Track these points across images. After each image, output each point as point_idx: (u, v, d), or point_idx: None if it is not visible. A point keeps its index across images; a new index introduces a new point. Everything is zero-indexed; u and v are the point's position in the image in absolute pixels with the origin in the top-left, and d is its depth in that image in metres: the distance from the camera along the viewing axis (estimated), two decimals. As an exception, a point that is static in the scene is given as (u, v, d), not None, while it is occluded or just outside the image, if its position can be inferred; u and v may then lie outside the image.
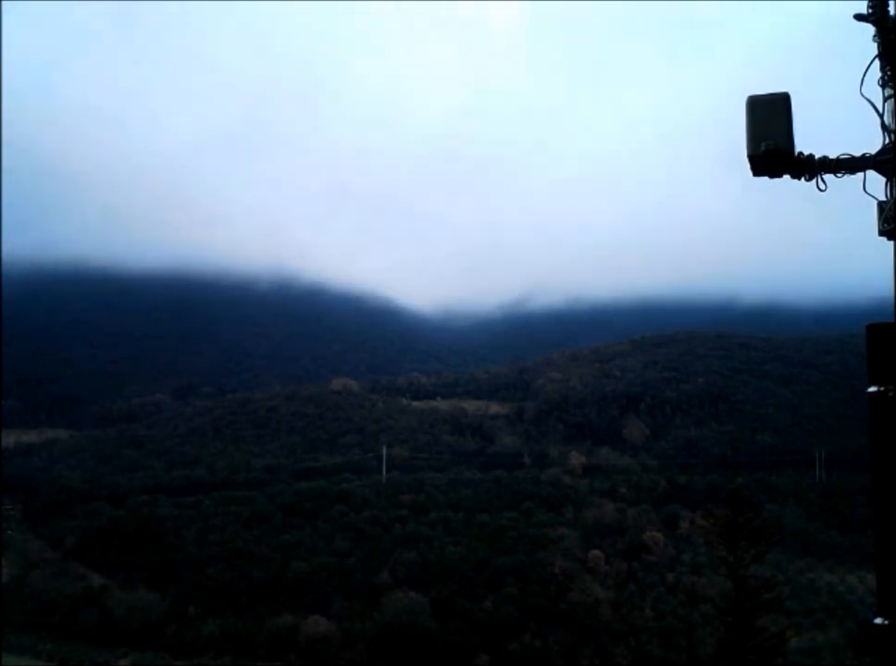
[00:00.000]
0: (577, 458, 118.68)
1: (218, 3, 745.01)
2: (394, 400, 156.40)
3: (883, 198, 5.81)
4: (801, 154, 6.02)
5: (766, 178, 6.15)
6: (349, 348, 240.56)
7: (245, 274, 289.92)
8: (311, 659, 69.31)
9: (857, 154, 5.93)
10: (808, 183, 6.07)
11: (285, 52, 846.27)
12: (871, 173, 5.88)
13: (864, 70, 5.74)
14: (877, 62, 5.80)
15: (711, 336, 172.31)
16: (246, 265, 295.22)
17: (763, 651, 33.04)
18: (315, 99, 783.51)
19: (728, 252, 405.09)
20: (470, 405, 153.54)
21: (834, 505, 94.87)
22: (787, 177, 6.14)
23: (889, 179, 5.80)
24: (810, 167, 6.04)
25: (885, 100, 5.78)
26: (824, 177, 6.04)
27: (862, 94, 5.76)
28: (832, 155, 6.02)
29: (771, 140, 5.92)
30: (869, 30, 5.87)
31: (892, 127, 5.76)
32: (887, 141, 5.81)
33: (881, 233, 5.76)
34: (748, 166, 6.10)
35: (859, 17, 5.86)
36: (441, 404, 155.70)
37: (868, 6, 5.87)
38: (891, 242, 5.54)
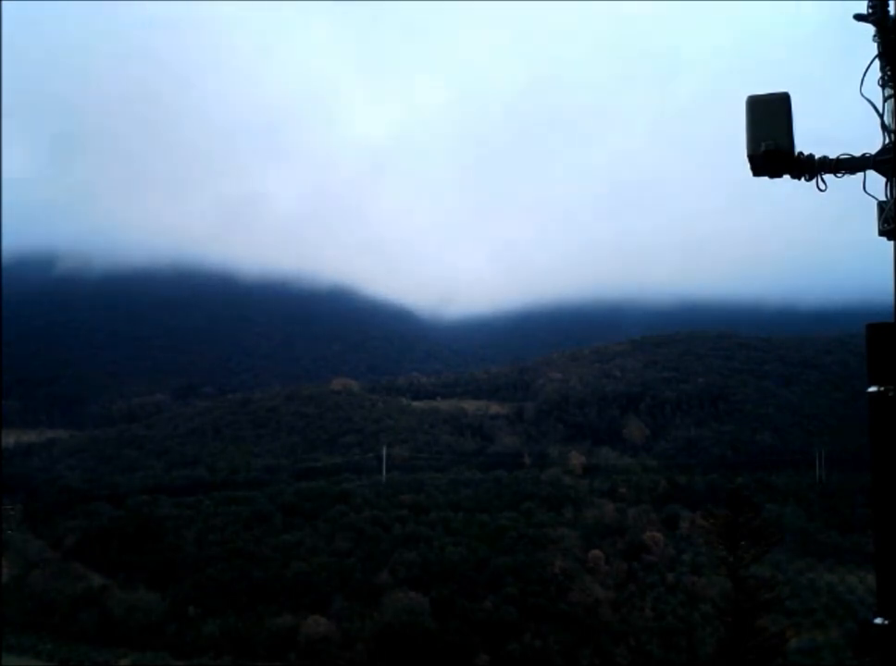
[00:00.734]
0: (577, 458, 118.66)
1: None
2: (394, 400, 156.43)
3: (883, 198, 5.81)
4: (801, 154, 6.02)
5: (766, 178, 6.15)
6: (349, 348, 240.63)
7: (246, 274, 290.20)
8: (311, 659, 69.29)
9: (857, 154, 5.93)
10: (808, 183, 6.07)
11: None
12: (871, 173, 5.87)
13: (864, 70, 5.74)
14: (877, 62, 5.80)
15: (711, 336, 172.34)
16: (247, 266, 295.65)
17: (763, 651, 33.05)
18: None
19: (729, 251, 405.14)
20: (470, 405, 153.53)
21: (834, 505, 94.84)
22: (787, 177, 6.13)
23: (889, 179, 5.80)
24: (810, 167, 6.03)
25: (885, 100, 5.78)
26: (824, 177, 6.04)
27: (862, 94, 5.75)
28: (832, 155, 6.02)
29: (771, 140, 5.92)
30: (869, 30, 5.87)
31: (892, 127, 5.76)
32: (887, 141, 5.81)
33: (881, 233, 5.76)
34: (748, 165, 6.10)
35: (859, 17, 5.86)
36: (441, 404, 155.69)
37: (868, 6, 5.86)
38: (891, 242, 5.54)
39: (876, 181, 5.86)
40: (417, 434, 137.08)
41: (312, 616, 72.75)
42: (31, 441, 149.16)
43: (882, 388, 5.00)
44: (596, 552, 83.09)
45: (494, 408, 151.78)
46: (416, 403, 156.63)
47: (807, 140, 6.04)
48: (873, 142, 5.89)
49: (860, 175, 5.91)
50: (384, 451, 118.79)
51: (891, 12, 5.81)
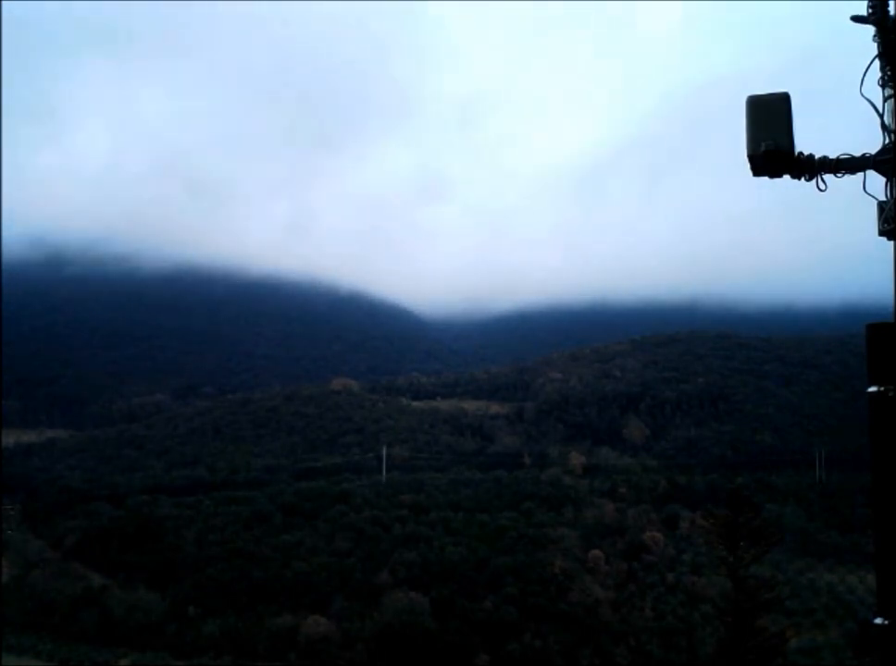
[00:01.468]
0: (577, 458, 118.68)
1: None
2: (394, 400, 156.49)
3: (883, 198, 5.81)
4: (801, 154, 6.01)
5: (766, 177, 6.15)
6: (349, 348, 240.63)
7: (246, 275, 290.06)
8: (311, 659, 69.30)
9: (857, 154, 5.93)
10: (808, 183, 6.07)
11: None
12: (871, 173, 5.87)
13: (864, 70, 5.74)
14: (877, 62, 5.79)
15: (711, 336, 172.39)
16: (247, 267, 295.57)
17: (763, 651, 33.03)
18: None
19: (729, 252, 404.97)
20: (470, 405, 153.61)
21: (834, 505, 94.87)
22: (787, 177, 6.13)
23: (889, 179, 5.79)
24: (810, 167, 6.02)
25: (885, 100, 5.78)
26: (824, 177, 6.03)
27: (862, 94, 5.75)
28: (832, 155, 6.01)
29: (771, 140, 5.91)
30: (869, 30, 5.86)
31: (892, 127, 5.75)
32: (887, 141, 5.81)
33: (881, 233, 5.75)
34: (748, 165, 6.10)
35: (857, 18, 5.86)
36: (441, 404, 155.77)
37: (868, 7, 5.86)
38: (891, 242, 5.54)
39: (876, 181, 5.86)
40: (417, 434, 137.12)
41: (312, 616, 72.78)
42: (31, 441, 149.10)
43: (882, 388, 4.99)
44: (596, 552, 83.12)
45: (494, 408, 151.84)
46: (416, 403, 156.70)
47: (807, 140, 6.04)
48: (873, 142, 5.89)
49: (860, 175, 5.91)
50: (384, 451, 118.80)
51: (892, 12, 5.81)
